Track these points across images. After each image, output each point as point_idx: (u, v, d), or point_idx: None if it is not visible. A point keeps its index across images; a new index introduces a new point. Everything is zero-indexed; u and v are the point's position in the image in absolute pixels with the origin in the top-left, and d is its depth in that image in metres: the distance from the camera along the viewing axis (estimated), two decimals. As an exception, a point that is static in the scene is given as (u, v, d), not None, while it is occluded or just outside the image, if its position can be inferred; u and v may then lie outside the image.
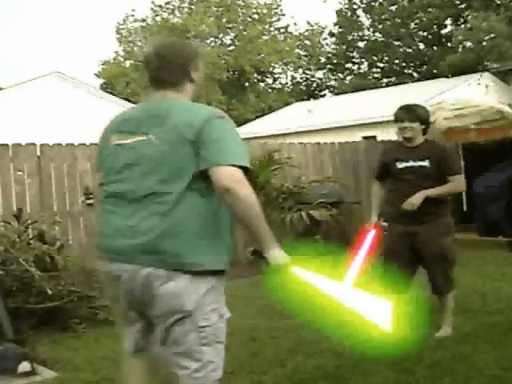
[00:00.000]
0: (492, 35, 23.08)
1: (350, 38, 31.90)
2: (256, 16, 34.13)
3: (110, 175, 2.41)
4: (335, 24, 32.47)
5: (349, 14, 32.02)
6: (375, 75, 31.66)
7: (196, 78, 2.45)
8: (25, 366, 3.93)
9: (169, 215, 2.22)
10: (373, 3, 30.73)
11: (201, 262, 2.24)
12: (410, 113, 4.30)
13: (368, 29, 31.79)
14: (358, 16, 31.99)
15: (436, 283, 4.42)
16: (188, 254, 2.23)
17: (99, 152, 2.59)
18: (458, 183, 4.35)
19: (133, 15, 33.97)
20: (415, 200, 4.19)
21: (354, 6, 31.93)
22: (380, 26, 30.84)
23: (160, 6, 33.95)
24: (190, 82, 2.44)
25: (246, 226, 2.25)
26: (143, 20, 33.75)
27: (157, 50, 2.43)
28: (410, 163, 4.30)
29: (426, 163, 4.25)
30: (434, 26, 29.23)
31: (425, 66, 29.27)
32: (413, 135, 4.29)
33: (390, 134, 10.66)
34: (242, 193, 2.16)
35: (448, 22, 29.18)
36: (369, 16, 31.30)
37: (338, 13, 32.19)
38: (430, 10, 28.22)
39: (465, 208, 10.52)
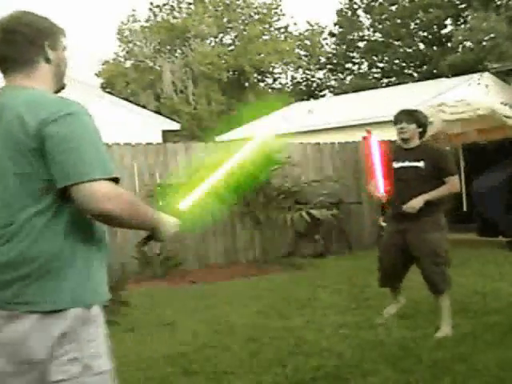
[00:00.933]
0: (492, 35, 23.06)
1: (350, 38, 31.89)
2: (256, 16, 34.13)
3: None
4: (335, 24, 32.47)
5: (349, 13, 32.00)
6: (375, 75, 31.65)
7: (54, 58, 1.93)
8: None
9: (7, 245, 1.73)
10: (373, 3, 30.72)
11: (52, 299, 1.72)
12: (407, 115, 4.49)
13: (368, 29, 31.78)
14: (359, 16, 31.98)
15: (431, 281, 4.44)
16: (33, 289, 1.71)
17: None
18: (452, 184, 4.46)
19: (133, 15, 33.98)
20: (415, 203, 4.32)
21: (355, 6, 31.91)
22: (380, 26, 30.83)
23: (158, 7, 33.96)
24: (45, 62, 1.91)
25: (135, 228, 1.94)
26: (146, 20, 33.76)
27: (2, 22, 1.89)
28: (406, 163, 4.45)
29: (420, 164, 4.40)
30: (434, 26, 29.21)
31: (425, 66, 29.24)
32: (409, 136, 4.46)
33: (390, 134, 10.66)
34: (118, 211, 1.70)
35: (448, 22, 29.18)
36: (369, 16, 31.30)
37: (339, 13, 32.19)
38: (430, 10, 28.22)
39: (465, 208, 10.52)
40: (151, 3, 33.75)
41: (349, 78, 32.68)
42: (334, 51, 33.08)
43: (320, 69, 34.04)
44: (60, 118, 1.75)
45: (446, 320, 4.43)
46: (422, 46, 30.23)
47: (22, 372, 1.73)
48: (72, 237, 1.75)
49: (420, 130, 4.48)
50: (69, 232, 1.75)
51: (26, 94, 1.81)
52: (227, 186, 2.47)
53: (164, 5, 33.88)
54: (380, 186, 4.52)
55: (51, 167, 1.69)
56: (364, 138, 4.64)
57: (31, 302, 1.72)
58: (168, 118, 23.01)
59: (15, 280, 1.72)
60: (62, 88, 2.06)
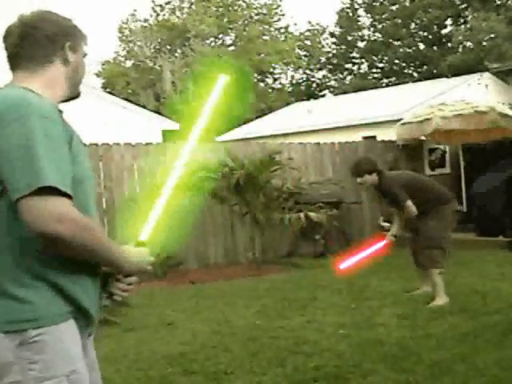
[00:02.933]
0: (492, 35, 23.07)
1: (350, 38, 31.90)
2: (256, 16, 34.14)
3: None
4: (336, 24, 32.46)
5: (350, 13, 32.00)
6: (375, 75, 31.65)
7: (73, 60, 1.78)
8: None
9: None
10: (374, 3, 30.71)
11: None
12: (355, 169, 5.40)
13: (368, 29, 31.79)
14: (359, 16, 31.99)
15: (418, 258, 5.59)
16: None
17: None
18: (406, 210, 5.26)
19: (134, 15, 34.00)
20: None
21: (356, 6, 31.90)
22: (380, 26, 30.84)
23: (160, 6, 33.98)
24: (62, 63, 1.76)
25: (90, 258, 1.63)
26: (145, 20, 33.77)
27: (22, 18, 1.84)
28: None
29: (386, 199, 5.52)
30: (435, 26, 29.22)
31: (425, 66, 29.25)
32: (369, 184, 5.40)
33: (390, 135, 10.67)
34: (67, 235, 1.48)
35: (448, 22, 29.18)
36: (369, 16, 31.30)
37: (339, 13, 32.19)
38: (430, 10, 28.21)
39: (465, 208, 10.52)
40: (153, 1, 33.77)
41: (349, 78, 32.68)
42: (334, 51, 33.08)
43: (320, 69, 34.04)
44: (6, 114, 1.52)
45: (438, 292, 5.32)
46: (422, 46, 30.22)
47: None
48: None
49: (374, 175, 5.32)
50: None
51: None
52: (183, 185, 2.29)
53: (167, 3, 33.90)
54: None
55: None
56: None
57: None
58: (168, 118, 23.02)
59: None
60: (77, 96, 1.89)
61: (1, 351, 1.52)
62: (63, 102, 1.83)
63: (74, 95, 1.87)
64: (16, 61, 1.74)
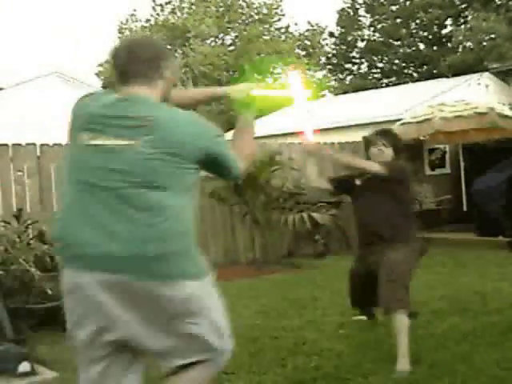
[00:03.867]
0: (492, 36, 23.07)
1: (350, 37, 31.88)
2: (256, 16, 34.13)
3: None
4: (337, 23, 32.43)
5: (351, 13, 31.97)
6: (375, 75, 31.64)
7: (167, 76, 2.28)
8: (25, 366, 3.93)
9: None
10: (374, 3, 30.69)
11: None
12: (389, 136, 4.26)
13: (368, 28, 31.78)
14: (360, 16, 31.97)
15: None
16: None
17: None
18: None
19: (134, 15, 33.98)
20: None
21: (357, 6, 31.87)
22: (380, 26, 30.83)
23: (161, 6, 33.96)
24: (159, 78, 2.27)
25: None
26: (147, 20, 33.75)
27: (128, 43, 2.35)
28: None
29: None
30: (435, 26, 29.20)
31: (425, 66, 29.24)
32: (381, 158, 4.15)
33: (390, 134, 10.66)
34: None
35: (448, 22, 29.16)
36: (370, 16, 31.29)
37: (340, 12, 32.16)
38: (430, 10, 28.20)
39: (465, 208, 10.53)
40: (154, 1, 33.76)
41: (349, 78, 32.67)
42: (334, 51, 33.07)
43: (320, 69, 34.03)
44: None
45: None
46: (422, 46, 30.21)
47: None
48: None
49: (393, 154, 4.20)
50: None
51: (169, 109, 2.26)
52: None
53: (167, 3, 33.88)
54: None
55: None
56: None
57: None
58: (168, 118, 23.03)
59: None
60: (165, 101, 2.33)
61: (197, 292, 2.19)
62: None
63: (163, 101, 2.33)
64: (127, 76, 2.24)
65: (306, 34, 34.38)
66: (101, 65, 34.12)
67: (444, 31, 29.46)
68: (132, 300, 2.10)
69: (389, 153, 4.14)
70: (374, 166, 3.98)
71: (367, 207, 4.20)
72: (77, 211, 2.13)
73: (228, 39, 34.46)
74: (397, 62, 30.45)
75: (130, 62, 2.23)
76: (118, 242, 2.05)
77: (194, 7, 33.76)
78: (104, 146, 2.15)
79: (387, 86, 27.13)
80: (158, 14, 33.97)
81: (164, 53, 2.32)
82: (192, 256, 2.27)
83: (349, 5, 32.06)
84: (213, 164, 2.34)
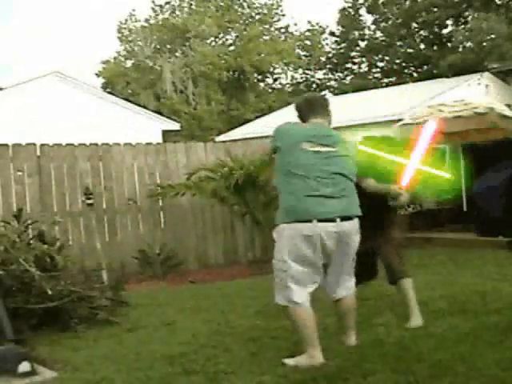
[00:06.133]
0: (492, 36, 23.06)
1: (351, 37, 31.88)
2: (257, 16, 34.14)
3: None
4: (338, 23, 32.42)
5: (352, 13, 31.96)
6: (375, 75, 31.65)
7: None
8: (25, 366, 3.93)
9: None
10: (376, 2, 30.68)
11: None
12: None
13: (369, 28, 31.79)
14: (361, 15, 31.97)
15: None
16: None
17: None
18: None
19: (134, 15, 33.98)
20: None
21: (358, 5, 31.86)
22: (381, 26, 30.83)
23: (160, 6, 33.96)
24: None
25: None
26: (146, 20, 33.75)
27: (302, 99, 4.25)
28: None
29: None
30: (435, 27, 29.21)
31: (425, 66, 29.25)
32: None
33: (390, 135, 10.65)
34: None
35: (449, 22, 29.16)
36: (371, 15, 31.29)
37: (341, 12, 32.17)
38: (431, 10, 28.19)
39: (465, 208, 10.52)
40: (153, 1, 33.75)
41: (349, 78, 32.67)
42: (334, 51, 33.06)
43: (320, 69, 34.03)
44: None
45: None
46: (422, 45, 30.20)
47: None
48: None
49: None
50: None
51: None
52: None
53: (166, 3, 33.88)
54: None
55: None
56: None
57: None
58: (168, 117, 23.02)
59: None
60: None
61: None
62: None
63: None
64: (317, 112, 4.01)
65: (307, 33, 34.37)
66: (105, 62, 34.08)
67: (444, 31, 29.46)
68: None
69: None
70: None
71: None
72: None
73: (228, 39, 34.46)
74: (397, 61, 30.45)
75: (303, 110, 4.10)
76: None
77: (194, 7, 33.75)
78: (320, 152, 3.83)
79: (387, 85, 27.12)
80: (157, 15, 33.97)
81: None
82: None
83: (350, 4, 32.06)
84: None
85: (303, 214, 3.76)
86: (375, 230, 4.87)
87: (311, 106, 4.02)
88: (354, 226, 3.89)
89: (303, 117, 4.03)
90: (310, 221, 3.73)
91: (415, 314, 4.70)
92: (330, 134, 3.94)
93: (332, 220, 3.74)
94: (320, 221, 3.72)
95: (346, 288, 4.05)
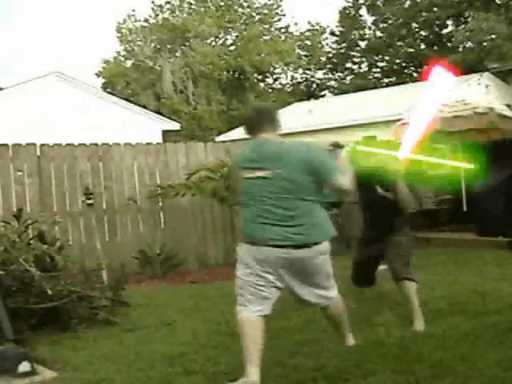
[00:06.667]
0: (492, 36, 23.06)
1: (351, 37, 31.88)
2: (257, 16, 34.13)
3: None
4: (338, 22, 32.41)
5: (352, 12, 31.95)
6: (375, 75, 31.65)
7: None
8: (25, 366, 3.93)
9: None
10: (376, 2, 30.67)
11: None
12: None
13: (369, 28, 31.78)
14: (361, 15, 31.96)
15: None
16: None
17: None
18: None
19: (133, 15, 33.96)
20: None
21: (358, 5, 31.85)
22: (381, 26, 30.83)
23: (160, 6, 33.94)
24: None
25: None
26: (146, 20, 33.74)
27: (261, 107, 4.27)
28: None
29: None
30: (435, 26, 29.21)
31: (425, 66, 29.24)
32: None
33: (390, 135, 10.66)
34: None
35: (449, 22, 29.14)
36: (371, 15, 31.28)
37: (342, 11, 32.16)
38: (431, 10, 28.18)
39: (465, 208, 10.52)
40: (153, 2, 33.73)
41: (349, 77, 32.67)
42: (334, 51, 33.06)
43: (320, 69, 34.02)
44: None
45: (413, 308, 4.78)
46: (422, 45, 30.20)
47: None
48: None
49: None
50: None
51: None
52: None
53: (166, 3, 33.87)
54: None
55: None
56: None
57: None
58: (168, 118, 23.02)
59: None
60: None
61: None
62: None
63: None
64: (263, 127, 3.71)
65: (307, 33, 34.36)
66: (105, 62, 34.06)
67: (444, 31, 29.45)
68: None
69: None
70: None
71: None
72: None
73: (228, 39, 34.45)
74: (397, 61, 30.44)
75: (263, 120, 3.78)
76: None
77: (194, 7, 33.75)
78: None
79: (387, 85, 27.12)
80: (157, 14, 33.96)
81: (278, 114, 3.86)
82: None
83: (350, 4, 32.05)
84: None
85: (251, 239, 3.65)
86: (382, 235, 5.00)
87: (258, 119, 3.73)
88: (311, 252, 3.59)
89: (250, 132, 3.77)
90: (258, 244, 3.60)
91: (418, 318, 4.66)
92: (274, 151, 3.59)
93: (281, 246, 3.54)
94: (268, 245, 3.55)
95: (324, 298, 3.82)
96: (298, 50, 34.03)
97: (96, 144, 8.17)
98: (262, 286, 3.63)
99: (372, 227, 5.28)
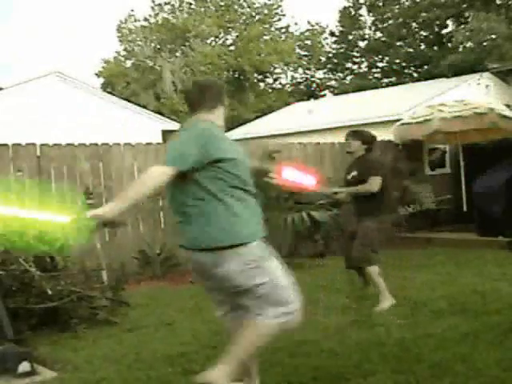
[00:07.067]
0: (493, 36, 23.05)
1: (351, 37, 31.88)
2: (257, 16, 34.11)
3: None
4: (338, 22, 32.40)
5: (352, 13, 31.94)
6: (375, 75, 31.64)
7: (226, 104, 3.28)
8: (25, 366, 3.93)
9: None
10: (376, 2, 30.66)
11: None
12: (354, 132, 5.78)
13: (369, 28, 31.77)
14: (361, 15, 31.96)
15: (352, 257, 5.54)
16: None
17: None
18: (370, 183, 5.40)
19: (133, 15, 33.96)
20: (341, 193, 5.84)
21: (358, 5, 31.84)
22: (381, 26, 30.82)
23: (159, 5, 33.93)
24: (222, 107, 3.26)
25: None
26: (145, 19, 33.73)
27: (198, 82, 3.42)
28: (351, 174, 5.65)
29: (354, 173, 5.56)
30: (435, 26, 29.20)
31: (425, 66, 29.24)
32: (351, 150, 5.65)
33: (390, 134, 10.66)
34: None
35: (449, 22, 29.13)
36: (371, 15, 31.27)
37: (342, 11, 32.15)
38: (431, 9, 28.17)
39: (465, 208, 10.52)
40: (153, 1, 33.72)
41: (349, 77, 32.66)
42: (335, 51, 33.06)
43: (320, 69, 34.02)
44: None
45: (381, 294, 5.34)
46: (422, 46, 30.20)
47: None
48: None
49: (363, 147, 5.60)
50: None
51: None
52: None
53: (166, 3, 33.85)
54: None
55: None
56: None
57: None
58: (168, 118, 23.01)
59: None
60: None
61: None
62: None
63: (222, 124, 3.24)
64: (197, 106, 3.17)
65: (307, 33, 34.35)
66: (106, 62, 34.01)
67: (444, 31, 29.45)
68: None
69: (356, 144, 5.61)
70: (375, 184, 5.39)
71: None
72: None
73: (228, 39, 34.44)
74: (397, 61, 30.43)
75: (202, 97, 3.24)
76: None
77: (193, 7, 33.73)
78: None
79: (387, 85, 27.11)
80: (156, 14, 33.94)
81: (221, 87, 3.33)
82: None
83: (350, 4, 32.04)
84: None
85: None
86: (356, 216, 5.57)
87: (192, 97, 3.24)
88: (207, 258, 2.99)
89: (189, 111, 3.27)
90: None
91: (384, 298, 5.28)
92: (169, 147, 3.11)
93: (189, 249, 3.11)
94: (182, 246, 3.17)
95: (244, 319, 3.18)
96: (297, 50, 34.01)
97: (96, 144, 8.16)
98: (215, 295, 3.60)
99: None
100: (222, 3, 33.76)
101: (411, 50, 29.90)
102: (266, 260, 3.14)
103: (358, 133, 5.75)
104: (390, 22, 30.19)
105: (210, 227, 2.96)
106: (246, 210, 3.08)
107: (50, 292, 4.98)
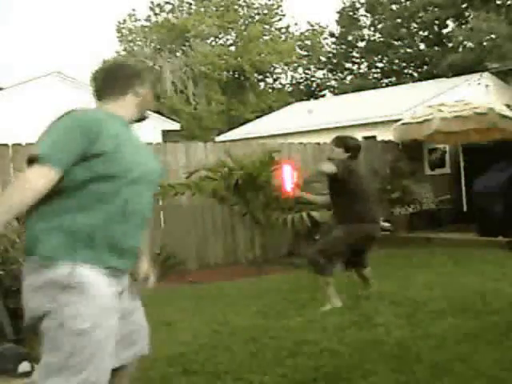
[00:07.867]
0: (493, 36, 23.04)
1: (351, 37, 31.86)
2: (257, 16, 34.11)
3: None
4: (337, 23, 32.39)
5: (351, 13, 31.93)
6: (375, 75, 31.63)
7: (141, 92, 2.52)
8: (25, 366, 3.93)
9: None
10: (375, 3, 30.64)
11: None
12: (338, 139, 5.73)
13: (369, 28, 31.76)
14: (360, 15, 31.95)
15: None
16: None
17: None
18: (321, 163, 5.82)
19: (133, 14, 33.95)
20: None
21: (357, 5, 31.83)
22: (380, 26, 30.81)
23: (159, 5, 33.92)
24: (133, 95, 2.50)
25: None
26: (146, 19, 33.73)
27: (105, 64, 2.84)
28: None
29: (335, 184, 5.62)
30: (435, 26, 29.18)
31: (425, 66, 29.23)
32: (333, 156, 5.63)
33: (390, 135, 10.67)
34: None
35: (449, 22, 29.12)
36: (370, 15, 31.26)
37: (341, 12, 32.14)
38: (430, 9, 28.16)
39: (465, 208, 10.52)
40: (152, 2, 33.71)
41: (349, 77, 32.65)
42: (334, 51, 33.04)
43: (320, 69, 34.01)
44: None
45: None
46: (422, 45, 30.18)
47: None
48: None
49: (347, 155, 5.55)
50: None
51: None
52: None
53: (166, 3, 33.85)
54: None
55: None
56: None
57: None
58: (168, 118, 23.02)
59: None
60: (144, 118, 2.55)
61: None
62: (136, 121, 2.53)
63: (141, 117, 2.54)
64: (102, 93, 2.52)
65: (307, 34, 34.35)
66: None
67: (444, 31, 29.43)
68: None
69: (338, 150, 5.59)
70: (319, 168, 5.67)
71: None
72: None
73: (228, 39, 34.44)
74: (397, 61, 30.43)
75: (105, 82, 2.58)
76: None
77: (193, 7, 33.73)
78: None
79: (387, 85, 27.11)
80: (156, 14, 33.93)
81: (137, 71, 2.58)
82: None
83: (349, 4, 32.04)
84: None
85: None
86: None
87: (98, 83, 2.61)
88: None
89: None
90: None
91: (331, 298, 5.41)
92: None
93: None
94: None
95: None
96: (298, 50, 34.00)
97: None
98: None
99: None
100: (222, 3, 33.73)
101: (411, 50, 29.89)
102: None
103: (341, 139, 5.72)
104: (389, 22, 30.17)
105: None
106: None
107: (49, 292, 4.98)
